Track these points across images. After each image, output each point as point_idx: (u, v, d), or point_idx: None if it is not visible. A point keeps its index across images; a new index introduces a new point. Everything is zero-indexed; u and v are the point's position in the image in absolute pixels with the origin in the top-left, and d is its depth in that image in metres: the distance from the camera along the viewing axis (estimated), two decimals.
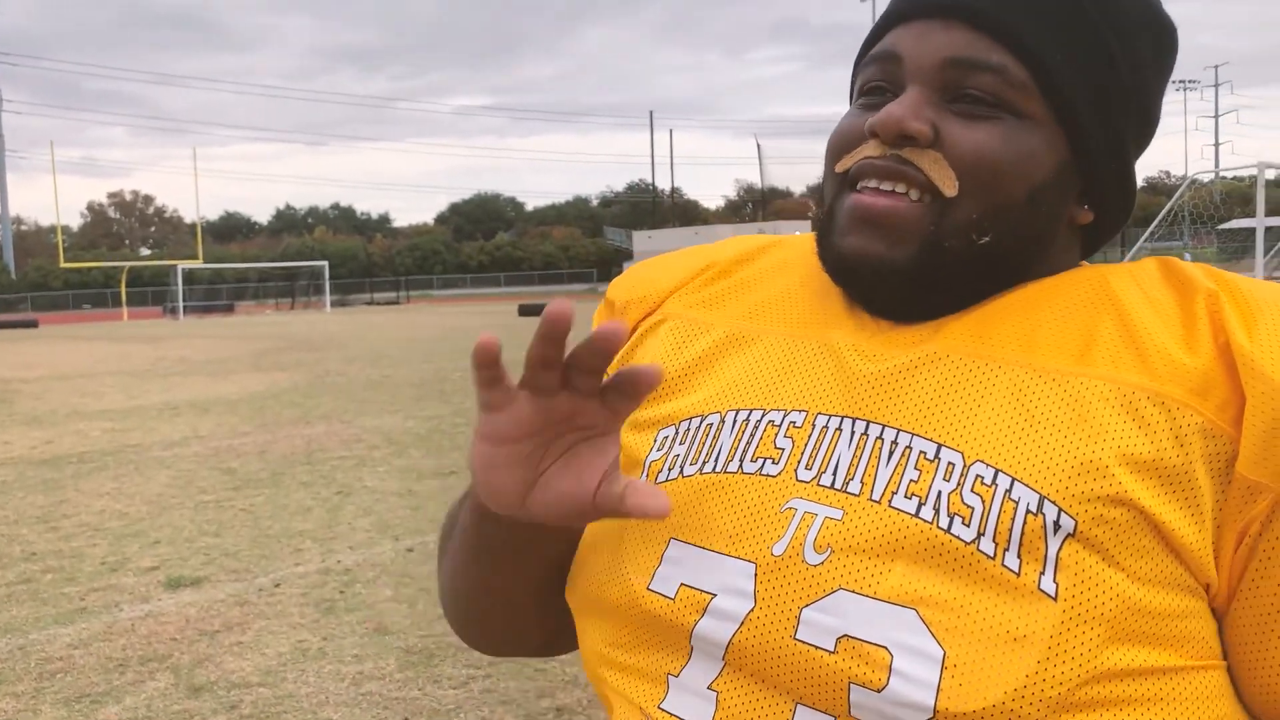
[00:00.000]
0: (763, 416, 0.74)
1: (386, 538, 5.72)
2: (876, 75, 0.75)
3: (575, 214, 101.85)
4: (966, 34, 0.71)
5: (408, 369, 15.71)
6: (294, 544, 5.66)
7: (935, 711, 0.61)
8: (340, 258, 74.44)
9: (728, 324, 0.82)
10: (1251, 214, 22.46)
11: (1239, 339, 0.65)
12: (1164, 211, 22.73)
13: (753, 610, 0.67)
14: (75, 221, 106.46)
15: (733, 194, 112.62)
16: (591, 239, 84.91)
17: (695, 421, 0.77)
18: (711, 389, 0.78)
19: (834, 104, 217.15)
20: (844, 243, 0.73)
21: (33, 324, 41.33)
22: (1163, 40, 0.77)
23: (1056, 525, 0.63)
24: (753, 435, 0.73)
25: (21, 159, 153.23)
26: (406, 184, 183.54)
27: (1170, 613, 0.64)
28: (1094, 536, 0.63)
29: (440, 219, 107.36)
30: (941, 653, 0.62)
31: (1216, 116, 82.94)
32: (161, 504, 6.78)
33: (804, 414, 0.73)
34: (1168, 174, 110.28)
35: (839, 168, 0.75)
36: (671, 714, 0.69)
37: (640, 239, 46.29)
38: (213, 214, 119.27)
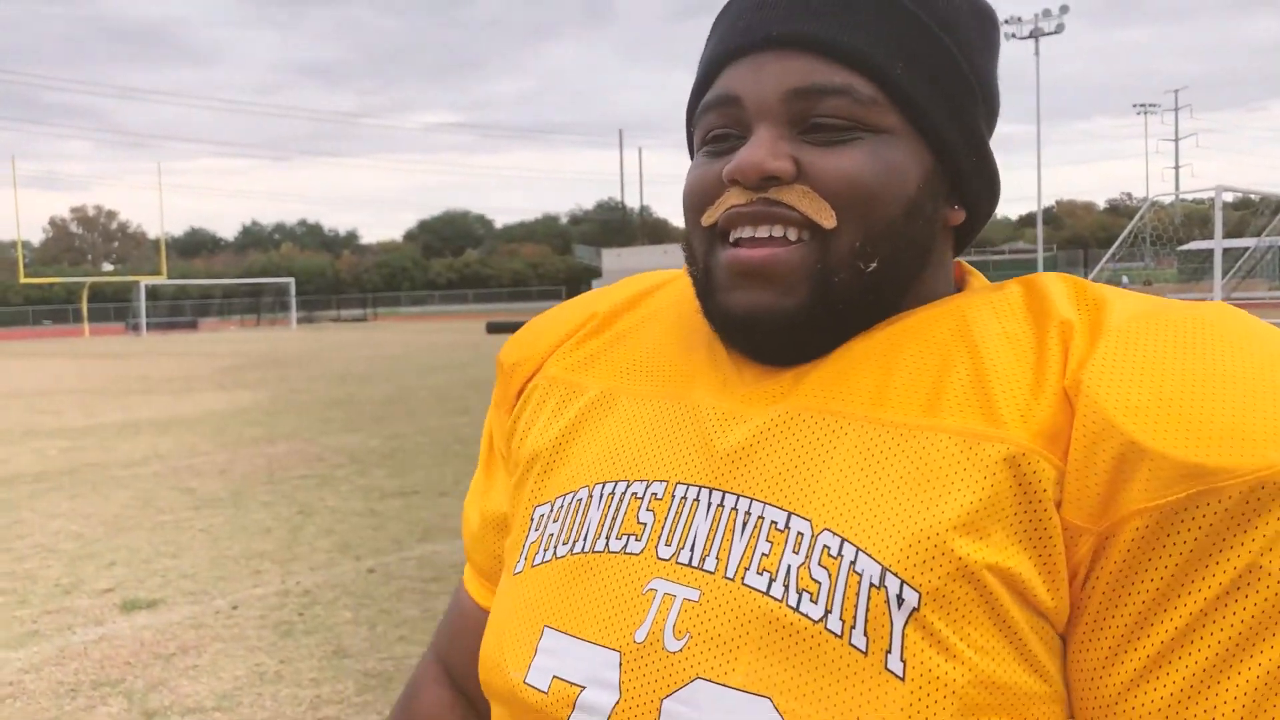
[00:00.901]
0: (626, 489, 0.71)
1: (348, 558, 5.66)
2: (718, 122, 0.71)
3: (545, 231, 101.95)
4: (803, 61, 0.68)
5: (372, 387, 15.60)
6: (253, 565, 5.58)
7: None
8: (307, 274, 74.01)
9: (600, 384, 0.79)
10: (1210, 235, 22.82)
11: (1081, 375, 0.62)
12: (1125, 233, 23.04)
13: (618, 703, 0.64)
14: (37, 236, 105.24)
15: None
16: (561, 256, 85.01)
17: (567, 498, 0.74)
18: (582, 460, 0.75)
19: None
20: (730, 300, 0.70)
21: None
22: (986, 23, 0.74)
23: (900, 599, 0.60)
24: (618, 510, 0.71)
25: None
26: (374, 200, 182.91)
27: (1026, 683, 0.60)
28: (940, 609, 0.59)
29: (409, 236, 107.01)
30: None
31: (1176, 140, 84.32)
32: (119, 524, 6.68)
33: (664, 484, 0.70)
34: (1129, 196, 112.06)
35: (705, 221, 0.72)
36: None
37: (610, 257, 46.35)
38: (178, 229, 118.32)
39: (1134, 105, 72.35)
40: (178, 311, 61.23)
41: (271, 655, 4.20)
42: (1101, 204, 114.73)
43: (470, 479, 0.99)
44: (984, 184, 0.74)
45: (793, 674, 0.60)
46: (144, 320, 47.70)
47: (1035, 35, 56.67)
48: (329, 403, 13.55)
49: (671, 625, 0.64)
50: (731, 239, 0.69)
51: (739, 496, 0.67)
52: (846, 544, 0.62)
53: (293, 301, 53.33)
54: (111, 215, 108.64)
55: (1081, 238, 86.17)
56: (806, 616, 0.61)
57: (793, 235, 0.67)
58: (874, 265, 0.68)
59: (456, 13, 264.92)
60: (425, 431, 10.41)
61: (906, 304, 0.72)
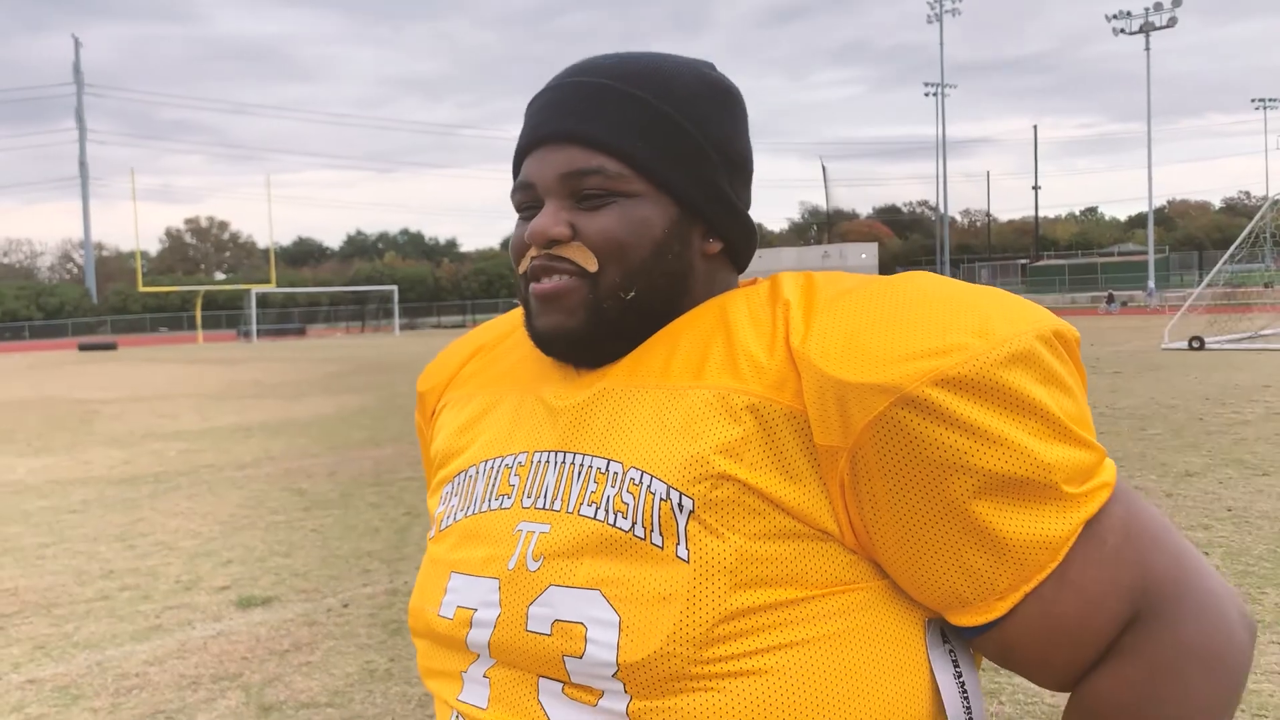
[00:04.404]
0: (500, 462, 0.96)
1: None
2: (524, 199, 0.97)
3: None
4: (570, 150, 0.93)
5: None
6: (362, 565, 5.72)
7: (618, 665, 0.80)
8: (409, 282, 75.54)
9: (481, 394, 1.05)
10: None
11: (794, 341, 0.84)
12: (1244, 233, 22.16)
13: (499, 615, 0.87)
14: (154, 247, 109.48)
15: (797, 216, 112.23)
16: None
17: (462, 476, 0.99)
18: (474, 448, 1.00)
19: (899, 125, 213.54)
20: (537, 323, 0.95)
21: (112, 346, 42.61)
22: (723, 100, 0.97)
23: (680, 506, 0.82)
24: (495, 478, 0.95)
25: (103, 186, 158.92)
26: (473, 209, 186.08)
27: (783, 558, 0.81)
28: (709, 509, 0.82)
29: (505, 243, 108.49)
30: (617, 618, 0.81)
31: None
32: (234, 524, 6.91)
33: (526, 454, 0.94)
34: (1247, 195, 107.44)
35: (519, 270, 0.97)
36: (465, 702, 0.90)
37: None
38: (286, 239, 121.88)
39: (1252, 100, 69.56)
40: (286, 318, 63.10)
41: (381, 653, 4.29)
42: (1217, 203, 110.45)
43: None
44: (731, 222, 0.97)
45: (614, 570, 0.83)
46: (254, 327, 49.28)
47: (1146, 30, 54.90)
48: None
49: (530, 552, 0.88)
50: (538, 280, 0.95)
51: (575, 454, 0.90)
52: (644, 474, 0.85)
53: (396, 308, 54.57)
54: (223, 226, 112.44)
55: (1195, 238, 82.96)
56: (619, 529, 0.84)
57: (571, 279, 0.92)
58: (633, 294, 0.92)
59: (549, 25, 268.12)
60: None
61: (682, 312, 0.95)
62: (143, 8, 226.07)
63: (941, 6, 74.28)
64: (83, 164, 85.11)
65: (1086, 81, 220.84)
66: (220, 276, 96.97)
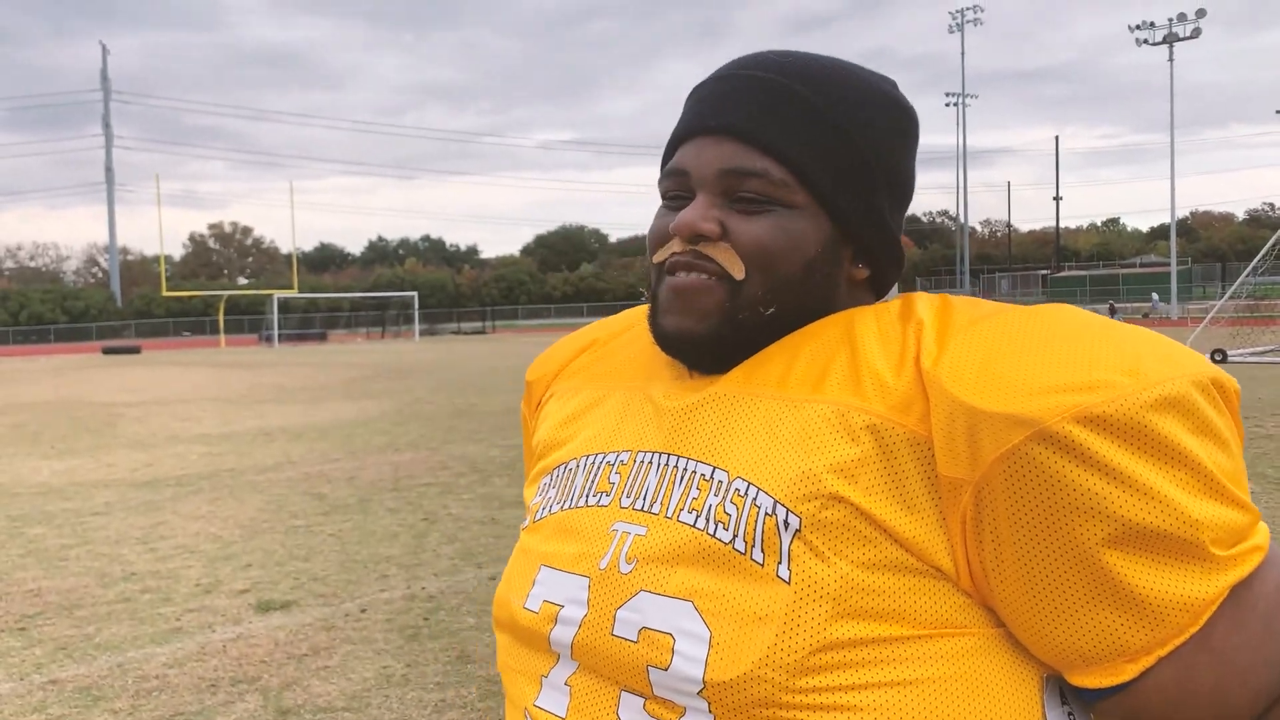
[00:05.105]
0: (602, 459, 0.92)
1: (470, 565, 5.78)
2: (673, 187, 0.91)
3: None
4: (735, 147, 0.87)
5: (492, 398, 15.89)
6: (380, 570, 5.75)
7: (704, 683, 0.76)
8: (429, 288, 75.85)
9: (589, 388, 1.02)
10: None
11: (925, 362, 0.79)
12: (1268, 245, 21.97)
13: (586, 615, 0.84)
14: (177, 251, 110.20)
15: None
16: None
17: (561, 468, 0.96)
18: (576, 442, 0.97)
19: (921, 134, 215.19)
20: (664, 322, 0.90)
21: (136, 350, 42.97)
22: (900, 121, 0.92)
23: (786, 523, 0.78)
24: (595, 474, 0.92)
25: (129, 192, 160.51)
26: (494, 216, 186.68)
27: (891, 591, 0.76)
28: (816, 530, 0.77)
29: (526, 250, 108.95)
30: (708, 633, 0.77)
31: None
32: (254, 528, 6.95)
33: (629, 453, 0.91)
34: (1271, 206, 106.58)
35: (655, 259, 0.93)
36: (541, 708, 0.86)
37: None
38: (308, 245, 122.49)
39: (1277, 111, 68.85)
40: (308, 324, 63.42)
41: (398, 658, 4.31)
42: (1240, 215, 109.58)
43: None
44: (885, 249, 0.93)
45: (709, 582, 0.79)
46: (276, 332, 49.56)
47: (1169, 41, 54.54)
48: (451, 413, 13.87)
49: (624, 554, 0.84)
50: (674, 275, 0.90)
51: (680, 457, 0.86)
52: (750, 486, 0.80)
53: (416, 314, 54.76)
54: (246, 231, 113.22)
55: (1218, 250, 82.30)
56: (719, 540, 0.79)
57: (712, 281, 0.87)
58: (773, 310, 0.88)
59: (572, 33, 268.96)
60: None
61: None
62: (170, 15, 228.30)
63: (964, 16, 74.12)
64: (109, 169, 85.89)
65: (1109, 92, 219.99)
66: (243, 282, 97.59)
